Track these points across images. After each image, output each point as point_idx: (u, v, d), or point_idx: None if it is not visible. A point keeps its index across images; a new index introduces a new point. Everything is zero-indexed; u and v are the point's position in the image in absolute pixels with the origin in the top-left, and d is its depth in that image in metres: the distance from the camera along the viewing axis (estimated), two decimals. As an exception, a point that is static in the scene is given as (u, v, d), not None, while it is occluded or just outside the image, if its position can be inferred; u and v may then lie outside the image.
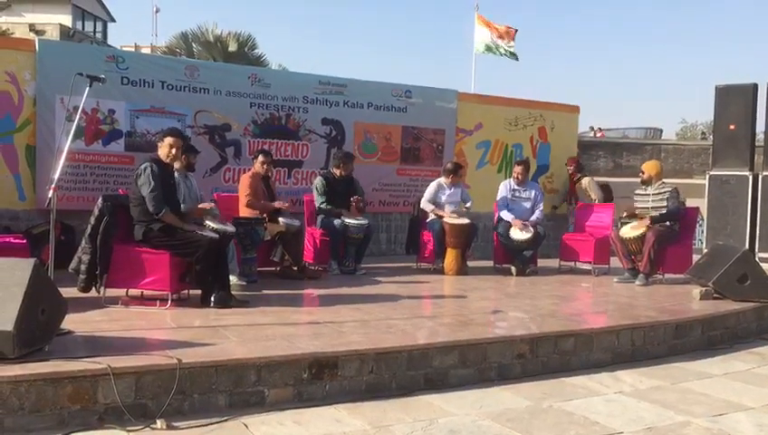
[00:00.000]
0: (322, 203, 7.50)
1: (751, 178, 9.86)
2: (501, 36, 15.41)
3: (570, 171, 10.50)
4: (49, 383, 3.19)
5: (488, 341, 4.43)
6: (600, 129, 27.26)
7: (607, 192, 10.82)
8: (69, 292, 4.43)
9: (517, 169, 8.37)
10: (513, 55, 15.50)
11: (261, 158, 7.12)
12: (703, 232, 10.52)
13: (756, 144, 10.29)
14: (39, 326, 3.46)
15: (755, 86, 10.02)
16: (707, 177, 10.37)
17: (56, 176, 4.34)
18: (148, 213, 5.12)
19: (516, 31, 15.48)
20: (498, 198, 8.28)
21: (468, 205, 8.12)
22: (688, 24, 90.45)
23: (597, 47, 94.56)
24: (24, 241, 6.05)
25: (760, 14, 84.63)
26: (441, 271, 7.75)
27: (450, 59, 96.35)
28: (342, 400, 3.78)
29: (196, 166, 6.59)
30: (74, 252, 5.30)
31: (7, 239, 5.83)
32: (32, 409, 3.16)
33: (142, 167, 5.19)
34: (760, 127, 10.43)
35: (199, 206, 5.88)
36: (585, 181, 10.15)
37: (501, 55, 15.53)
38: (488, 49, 15.52)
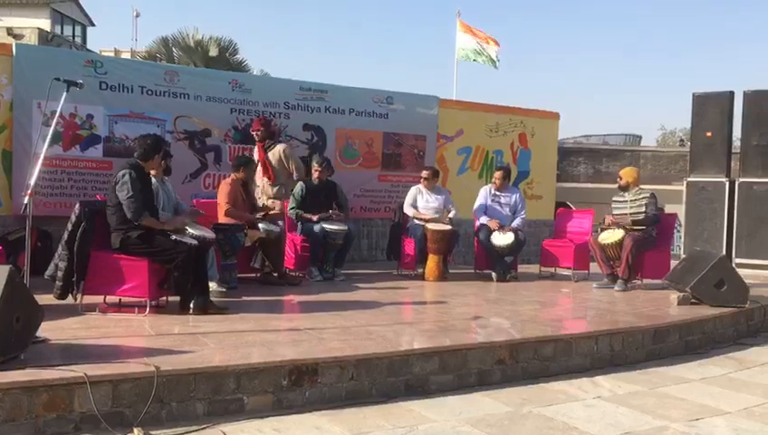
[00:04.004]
0: (292, 209, 7.51)
1: (728, 184, 10.01)
2: (485, 41, 15.42)
3: (256, 136, 7.80)
4: (24, 392, 3.15)
5: (468, 347, 4.44)
6: None
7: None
8: (45, 299, 4.39)
9: (496, 174, 8.43)
10: (493, 62, 15.50)
11: (250, 166, 7.10)
12: (681, 238, 10.65)
13: (733, 151, 10.45)
14: (14, 334, 3.42)
15: (732, 94, 10.18)
16: (685, 183, 10.51)
17: (33, 181, 4.28)
18: (125, 220, 5.06)
19: (498, 45, 15.53)
20: (476, 206, 8.30)
21: (452, 214, 8.11)
22: (668, 32, 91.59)
23: (578, 55, 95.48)
24: (0, 247, 5.98)
25: (737, 22, 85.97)
26: (422, 277, 7.76)
27: (432, 66, 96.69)
28: (322, 407, 3.77)
29: (175, 172, 6.54)
30: (51, 258, 5.24)
31: (-18, 246, 5.76)
32: (6, 417, 3.11)
33: (121, 173, 5.13)
34: (736, 134, 10.61)
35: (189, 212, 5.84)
36: (279, 149, 7.74)
37: (483, 62, 15.54)
38: (471, 55, 15.54)
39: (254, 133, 7.81)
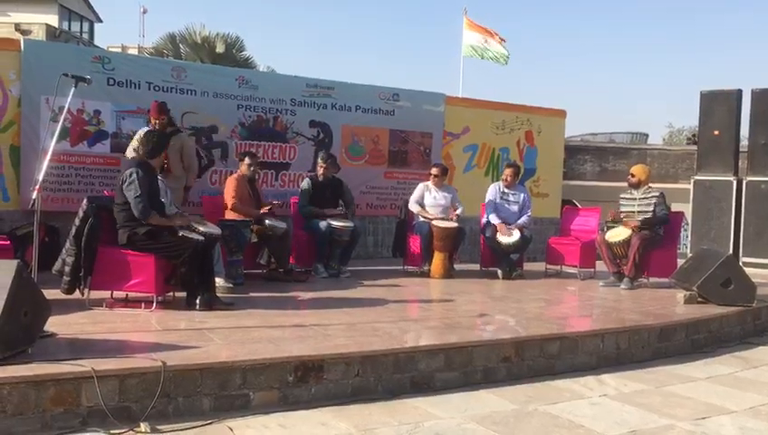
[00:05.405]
0: (304, 206, 7.51)
1: (735, 183, 9.98)
2: (492, 36, 15.34)
3: (155, 124, 6.90)
4: (31, 386, 3.16)
5: (474, 344, 4.43)
6: None
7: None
8: (52, 294, 4.39)
9: (507, 171, 8.38)
10: (503, 58, 15.38)
11: (247, 160, 7.11)
12: (687, 236, 10.62)
13: (740, 150, 10.41)
14: (21, 328, 3.43)
15: (740, 92, 10.15)
16: (692, 182, 10.48)
17: (41, 177, 4.31)
18: (133, 218, 5.09)
19: (504, 40, 15.45)
20: (486, 201, 8.29)
21: (459, 211, 8.09)
22: (676, 30, 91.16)
23: (584, 52, 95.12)
24: (8, 242, 6.01)
25: (745, 21, 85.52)
26: (428, 274, 7.75)
27: (438, 63, 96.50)
28: (328, 403, 3.77)
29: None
30: (58, 253, 5.25)
31: (-9, 240, 5.78)
32: (14, 411, 3.12)
33: (128, 172, 5.15)
34: (744, 132, 10.57)
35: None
36: (182, 141, 7.19)
37: (491, 59, 15.46)
38: (476, 52, 15.49)
39: (155, 122, 6.88)
